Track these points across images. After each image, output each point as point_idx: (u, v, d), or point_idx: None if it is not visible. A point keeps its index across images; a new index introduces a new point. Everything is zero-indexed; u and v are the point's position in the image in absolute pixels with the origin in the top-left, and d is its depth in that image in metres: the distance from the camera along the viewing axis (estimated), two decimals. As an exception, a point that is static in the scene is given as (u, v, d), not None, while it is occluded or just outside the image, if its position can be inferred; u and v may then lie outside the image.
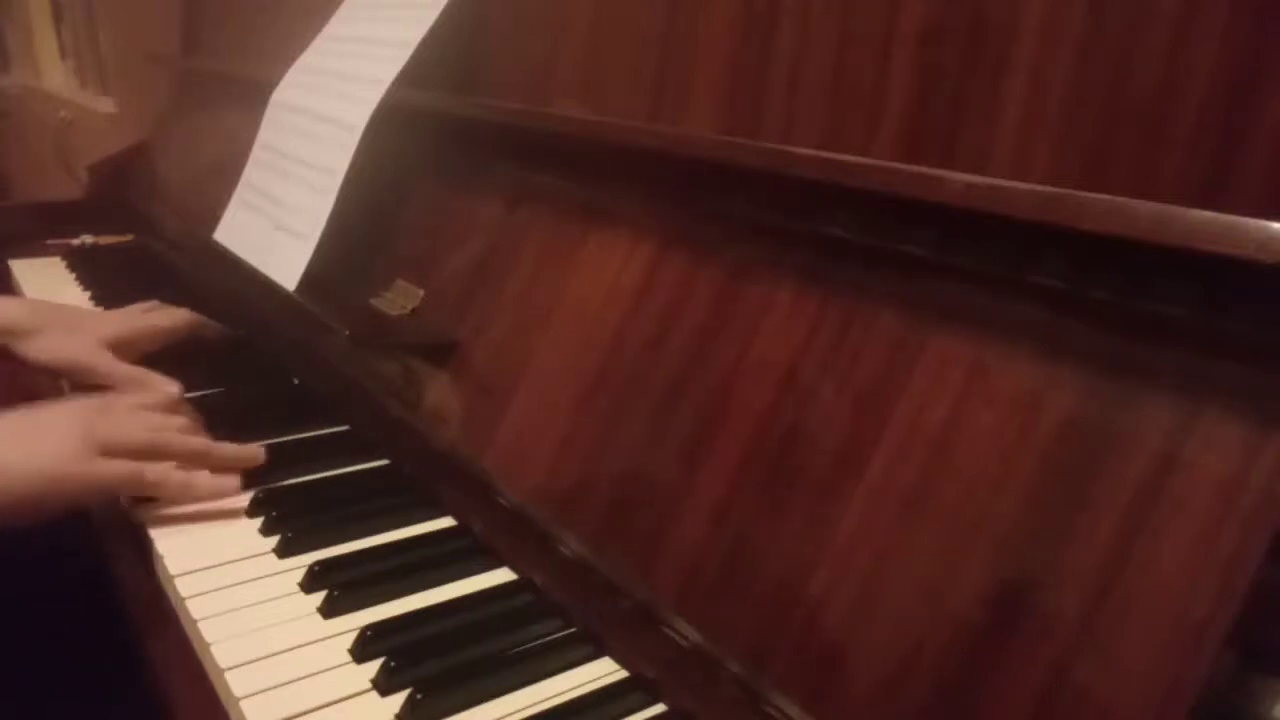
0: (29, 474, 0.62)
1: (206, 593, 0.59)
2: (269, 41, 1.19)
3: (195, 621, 0.56)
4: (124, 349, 0.89)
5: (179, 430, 0.71)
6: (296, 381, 0.93)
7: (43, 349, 0.88)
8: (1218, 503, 0.36)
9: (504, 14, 0.81)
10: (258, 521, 0.67)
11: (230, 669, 0.52)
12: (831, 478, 0.47)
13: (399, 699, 0.50)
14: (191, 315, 0.96)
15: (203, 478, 0.68)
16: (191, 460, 0.69)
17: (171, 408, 0.74)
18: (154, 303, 0.99)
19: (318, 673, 0.53)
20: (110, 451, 0.65)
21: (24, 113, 2.69)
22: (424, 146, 0.86)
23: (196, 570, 0.61)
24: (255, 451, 0.72)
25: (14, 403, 0.71)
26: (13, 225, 1.42)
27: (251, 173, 1.02)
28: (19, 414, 0.67)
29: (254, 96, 1.06)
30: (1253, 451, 0.35)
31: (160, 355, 0.91)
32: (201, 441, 0.72)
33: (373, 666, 0.53)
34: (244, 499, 0.69)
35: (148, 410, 0.72)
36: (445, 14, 0.82)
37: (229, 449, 0.72)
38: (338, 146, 0.85)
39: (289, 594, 0.59)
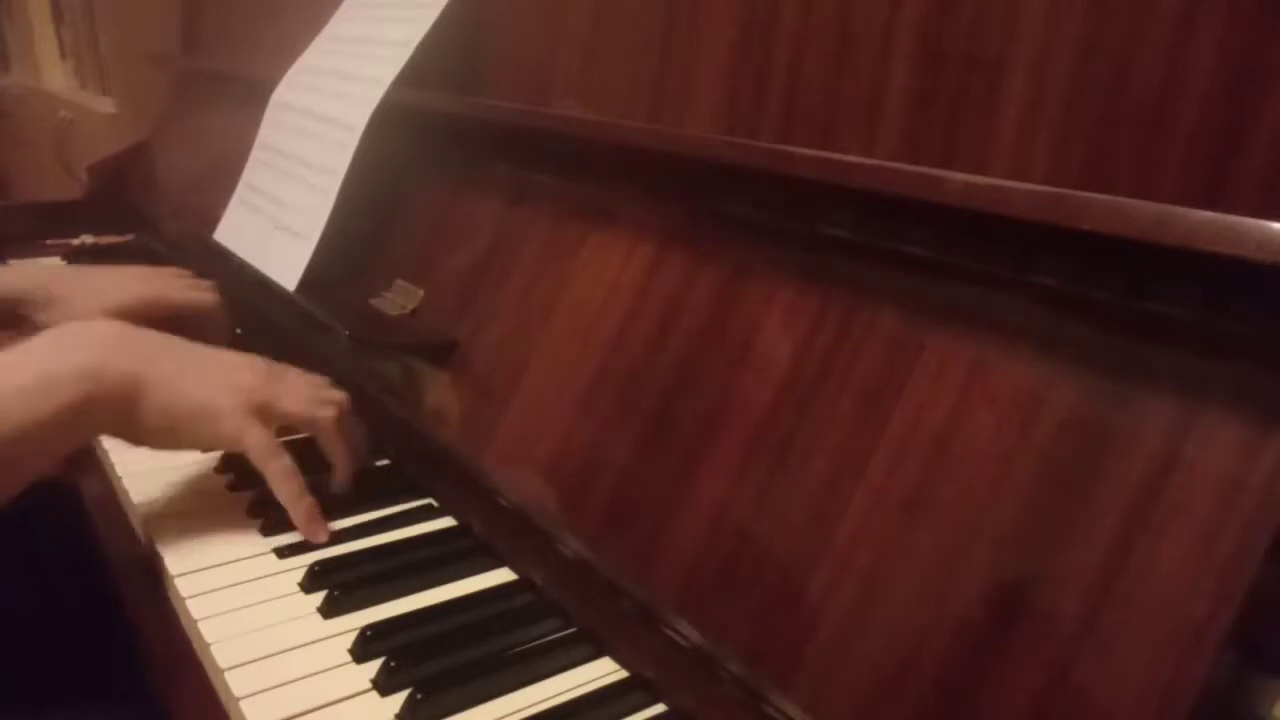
0: (194, 402, 0.64)
1: (207, 593, 0.59)
2: (269, 41, 1.19)
3: (195, 621, 0.56)
4: (129, 318, 0.89)
5: (338, 403, 0.70)
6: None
7: (41, 323, 0.88)
8: (1217, 503, 0.36)
9: (504, 14, 0.81)
10: (258, 522, 0.66)
11: (230, 669, 0.52)
12: (831, 477, 0.47)
13: (399, 699, 0.50)
14: (205, 298, 0.94)
15: (306, 506, 0.66)
16: (338, 444, 0.69)
17: (338, 398, 0.73)
18: (180, 271, 0.98)
19: (318, 673, 0.53)
20: (267, 415, 0.66)
21: (24, 113, 2.69)
22: (424, 146, 0.86)
23: (197, 570, 0.61)
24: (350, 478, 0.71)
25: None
26: (13, 225, 1.42)
27: (251, 173, 1.02)
28: (214, 351, 0.70)
29: (254, 96, 1.06)
30: (1253, 451, 0.35)
31: None
32: (342, 446, 0.70)
33: (373, 666, 0.53)
34: (244, 499, 0.69)
35: (315, 387, 0.72)
36: (445, 14, 0.82)
37: (360, 448, 0.72)
38: (338, 146, 0.85)
39: (289, 594, 0.59)
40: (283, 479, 0.65)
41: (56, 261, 1.32)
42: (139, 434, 0.64)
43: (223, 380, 0.66)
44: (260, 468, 0.66)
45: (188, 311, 0.93)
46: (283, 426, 0.68)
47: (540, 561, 0.61)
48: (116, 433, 0.65)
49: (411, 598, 0.60)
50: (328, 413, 0.69)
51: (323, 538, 0.65)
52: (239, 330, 1.03)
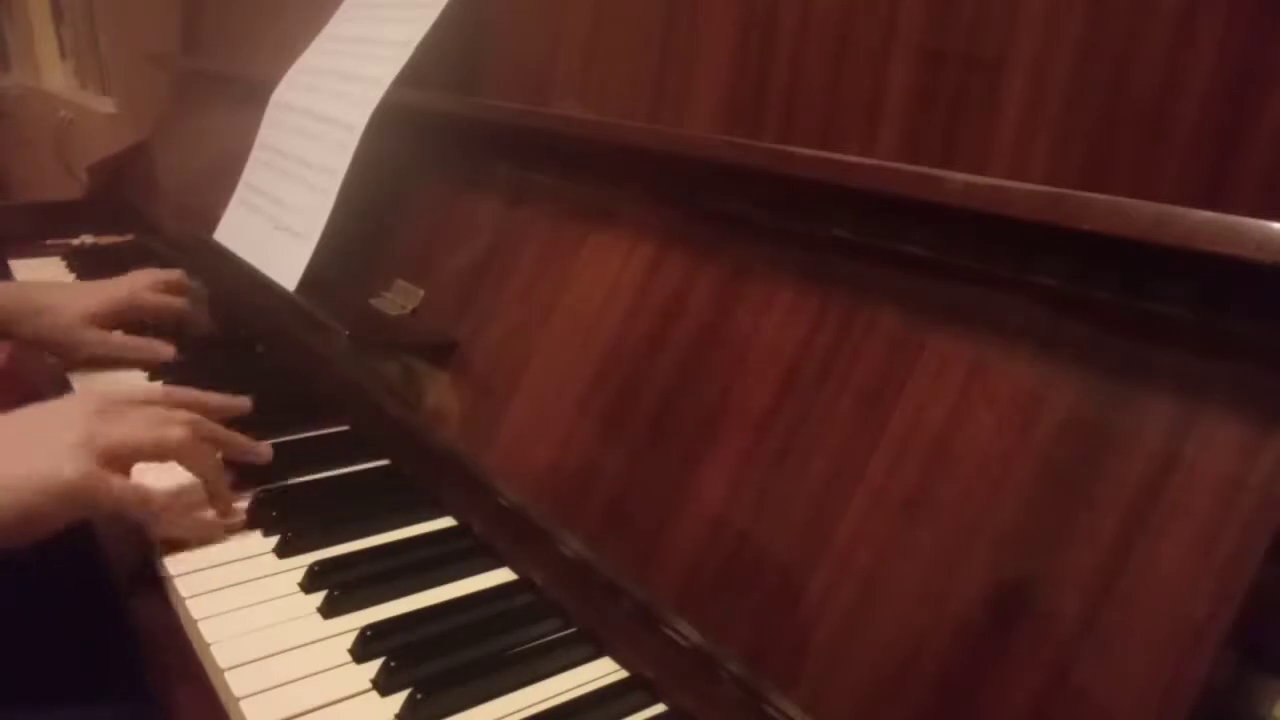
0: (22, 487, 0.56)
1: (207, 593, 0.59)
2: (269, 41, 1.19)
3: (195, 621, 0.56)
4: (108, 321, 0.95)
5: (185, 422, 0.65)
6: (295, 382, 0.93)
7: (30, 332, 0.93)
8: (1217, 503, 0.36)
9: (504, 14, 0.81)
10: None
11: (230, 669, 0.52)
12: (831, 477, 0.47)
13: (399, 699, 0.50)
14: (175, 304, 1.01)
15: (206, 519, 0.65)
16: (199, 459, 0.66)
17: (178, 402, 0.69)
18: (150, 270, 1.03)
19: (318, 673, 0.53)
20: (114, 457, 0.60)
21: (24, 113, 2.69)
22: (424, 146, 0.86)
23: (196, 570, 0.61)
24: (265, 449, 0.72)
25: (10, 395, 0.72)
26: (13, 225, 1.42)
27: (251, 173, 1.02)
28: (12, 417, 0.62)
29: (254, 96, 1.06)
30: (1253, 451, 0.35)
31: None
32: (210, 431, 0.67)
33: (373, 666, 0.53)
34: (244, 500, 0.69)
35: (151, 406, 0.67)
36: (445, 14, 0.82)
37: (239, 441, 0.70)
38: (338, 146, 0.85)
39: (289, 594, 0.59)
40: (178, 509, 0.64)
41: (56, 261, 1.32)
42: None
43: (50, 448, 0.58)
44: (144, 518, 0.62)
45: (160, 315, 0.99)
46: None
47: (540, 561, 0.61)
48: None
49: (411, 598, 0.60)
50: (177, 432, 0.63)
51: (236, 507, 0.66)
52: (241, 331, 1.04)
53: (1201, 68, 0.40)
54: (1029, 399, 0.42)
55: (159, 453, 0.63)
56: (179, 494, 0.67)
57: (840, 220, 0.51)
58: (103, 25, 1.96)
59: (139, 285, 1.00)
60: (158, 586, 0.62)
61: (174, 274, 1.03)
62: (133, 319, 0.97)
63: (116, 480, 0.60)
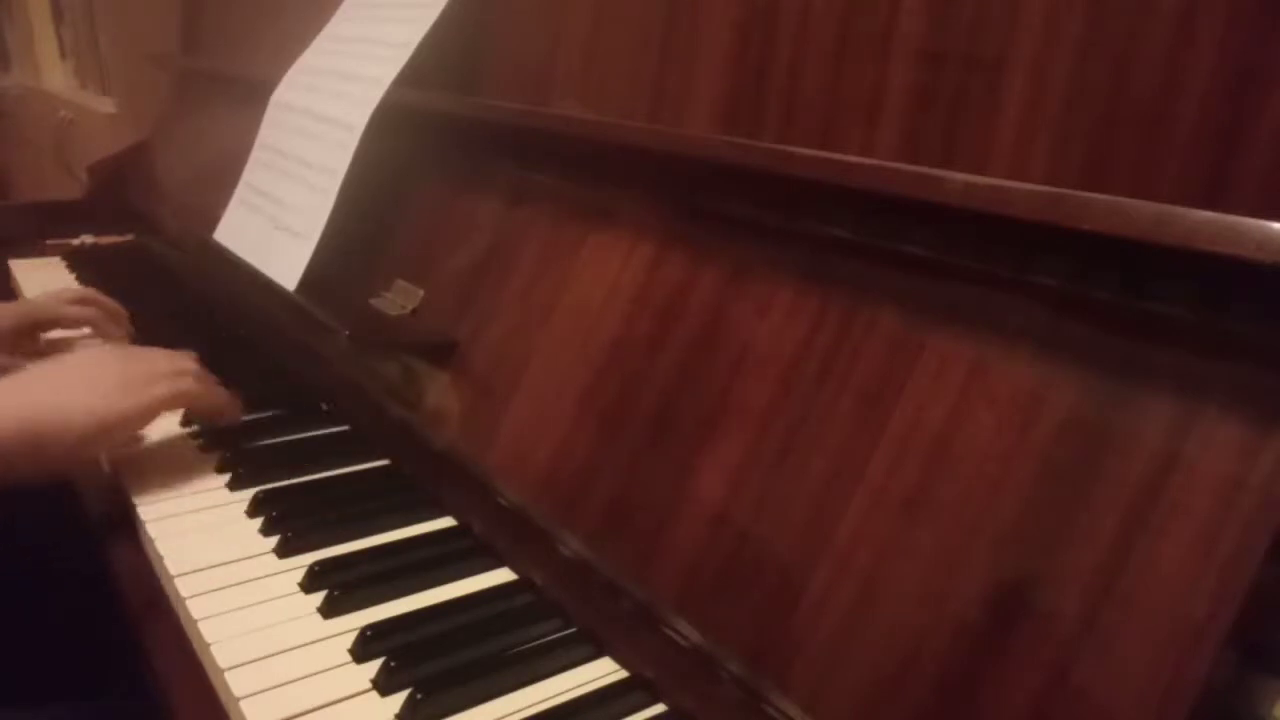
0: (91, 417, 0.65)
1: (206, 593, 0.59)
2: (269, 41, 1.19)
3: (195, 621, 0.56)
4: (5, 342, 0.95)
5: (192, 359, 0.77)
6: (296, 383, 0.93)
7: None
8: (1218, 503, 0.36)
9: (504, 14, 0.81)
10: (258, 521, 0.66)
11: (230, 669, 0.52)
12: (831, 477, 0.47)
13: (399, 699, 0.50)
14: (88, 313, 1.00)
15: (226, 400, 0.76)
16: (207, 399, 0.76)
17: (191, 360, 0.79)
18: (63, 289, 1.03)
19: (318, 673, 0.53)
20: (149, 380, 0.70)
21: (24, 113, 2.69)
22: (424, 146, 0.86)
23: (196, 570, 0.61)
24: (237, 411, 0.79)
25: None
26: (13, 225, 1.42)
27: (251, 173, 1.02)
28: (50, 364, 0.74)
29: (254, 96, 1.06)
30: (1253, 451, 0.35)
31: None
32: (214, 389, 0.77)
33: (373, 666, 0.53)
34: (244, 499, 0.69)
35: (166, 353, 0.77)
36: (445, 14, 0.82)
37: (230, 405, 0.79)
38: (338, 146, 0.85)
39: (289, 594, 0.59)
40: (211, 394, 0.75)
41: (56, 261, 1.32)
42: (68, 466, 0.68)
43: (106, 379, 0.69)
44: (189, 403, 0.75)
45: (76, 326, 0.99)
46: None
47: (540, 561, 0.61)
48: (37, 475, 0.65)
49: (411, 598, 0.60)
50: (190, 364, 0.76)
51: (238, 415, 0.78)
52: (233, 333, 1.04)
53: (1201, 68, 0.40)
54: (1029, 399, 0.42)
55: (180, 377, 0.73)
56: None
57: (840, 220, 0.51)
58: (103, 25, 1.96)
59: (52, 299, 1.00)
60: (158, 585, 0.63)
61: (87, 291, 1.03)
62: (42, 329, 0.98)
63: (156, 386, 0.70)
